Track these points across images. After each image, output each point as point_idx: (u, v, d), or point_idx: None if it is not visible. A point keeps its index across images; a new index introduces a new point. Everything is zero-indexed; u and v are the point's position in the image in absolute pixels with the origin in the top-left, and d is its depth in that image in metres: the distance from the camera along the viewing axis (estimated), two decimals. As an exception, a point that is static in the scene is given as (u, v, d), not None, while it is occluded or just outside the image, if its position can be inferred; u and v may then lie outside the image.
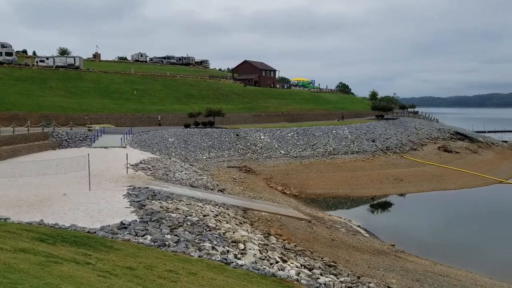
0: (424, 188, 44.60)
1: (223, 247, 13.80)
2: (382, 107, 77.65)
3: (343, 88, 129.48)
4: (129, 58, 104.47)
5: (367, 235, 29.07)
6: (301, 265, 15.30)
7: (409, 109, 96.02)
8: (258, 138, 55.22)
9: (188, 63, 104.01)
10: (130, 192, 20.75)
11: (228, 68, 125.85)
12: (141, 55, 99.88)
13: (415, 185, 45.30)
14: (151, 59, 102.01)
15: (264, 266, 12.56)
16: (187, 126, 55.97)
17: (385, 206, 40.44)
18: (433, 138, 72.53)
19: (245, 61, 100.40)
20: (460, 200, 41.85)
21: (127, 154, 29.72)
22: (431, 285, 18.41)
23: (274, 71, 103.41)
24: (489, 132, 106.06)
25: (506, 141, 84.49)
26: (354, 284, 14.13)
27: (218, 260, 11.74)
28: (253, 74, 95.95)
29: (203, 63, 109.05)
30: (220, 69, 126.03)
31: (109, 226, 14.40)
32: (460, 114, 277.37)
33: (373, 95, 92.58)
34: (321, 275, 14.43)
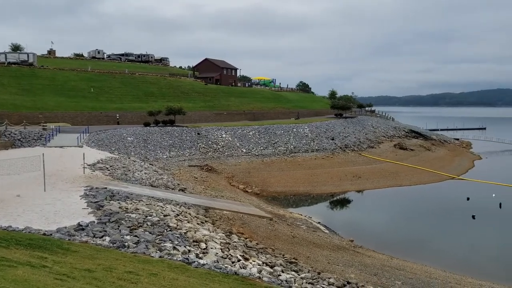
0: (381, 185, 45.96)
1: (185, 247, 13.71)
2: (341, 106, 79.28)
3: (304, 87, 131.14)
4: (85, 55, 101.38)
5: (327, 231, 29.66)
6: (263, 262, 15.44)
7: (366, 108, 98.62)
8: (220, 136, 55.09)
9: (147, 61, 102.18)
10: (88, 193, 20.21)
11: (189, 66, 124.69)
12: (98, 52, 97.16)
13: (372, 182, 46.60)
14: (109, 56, 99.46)
15: (226, 265, 12.59)
16: (146, 124, 55.03)
17: (344, 202, 41.38)
18: (389, 136, 74.82)
19: (206, 59, 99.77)
20: (415, 196, 43.40)
21: (84, 153, 28.91)
22: (388, 279, 19.03)
23: (236, 69, 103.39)
24: (442, 130, 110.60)
25: (457, 139, 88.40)
26: (314, 280, 14.40)
27: (180, 260, 11.66)
28: (214, 72, 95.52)
29: (163, 61, 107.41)
30: (180, 67, 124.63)
31: (65, 227, 13.98)
32: (414, 112, 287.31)
33: (332, 94, 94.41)
34: (283, 272, 14.62)
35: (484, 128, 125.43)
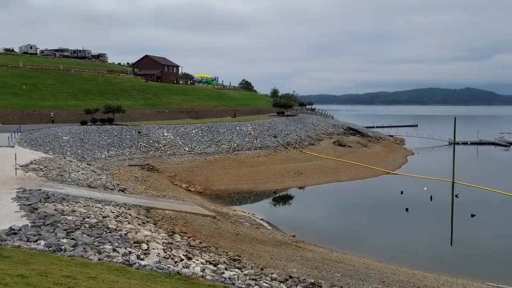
0: (321, 181, 47.34)
1: (125, 248, 13.37)
2: (283, 104, 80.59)
3: (246, 86, 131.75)
4: (16, 50, 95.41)
5: (269, 227, 30.11)
6: (206, 261, 15.41)
7: (307, 106, 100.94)
8: (162, 135, 54.13)
9: (84, 57, 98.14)
10: (20, 195, 19.12)
11: (128, 63, 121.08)
12: (31, 47, 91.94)
13: (313, 178, 47.87)
14: (42, 51, 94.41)
15: (168, 265, 12.43)
16: (83, 123, 52.93)
17: (286, 199, 42.18)
18: (329, 133, 77.16)
19: (147, 56, 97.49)
20: (353, 190, 45.13)
21: (15, 154, 27.30)
22: (328, 272, 19.66)
23: (177, 66, 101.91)
24: (377, 127, 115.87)
25: (392, 136, 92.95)
26: (257, 276, 14.59)
27: (120, 262, 11.37)
28: (155, 69, 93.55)
29: (100, 57, 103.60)
30: (119, 64, 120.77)
31: (-5, 233, 13.16)
32: (352, 111, 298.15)
33: (274, 92, 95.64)
34: (226, 269, 14.67)
35: (416, 125, 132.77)
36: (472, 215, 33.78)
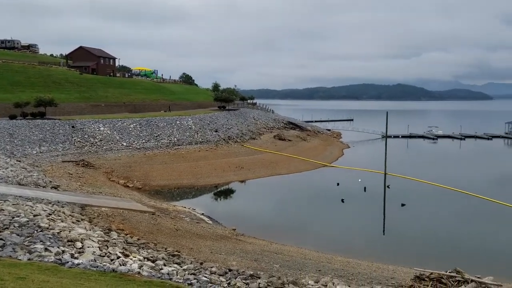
0: (262, 174, 48.00)
1: (58, 247, 12.91)
2: (224, 98, 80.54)
3: (187, 79, 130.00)
4: None
5: (210, 222, 30.18)
6: (144, 257, 15.23)
7: (248, 101, 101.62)
8: (97, 129, 52.24)
9: (13, 47, 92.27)
10: None
11: (61, 54, 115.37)
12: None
13: (254, 172, 48.42)
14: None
15: (104, 263, 12.17)
16: (12, 117, 49.89)
17: (227, 193, 42.37)
18: (270, 127, 78.25)
19: (81, 47, 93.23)
20: (292, 183, 46.18)
21: None
22: (267, 263, 20.10)
23: (114, 59, 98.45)
24: (316, 121, 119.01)
25: (329, 129, 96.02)
26: (197, 271, 14.64)
27: (52, 262, 10.98)
28: (90, 61, 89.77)
29: (31, 48, 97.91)
30: (52, 55, 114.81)
31: None
32: (292, 105, 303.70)
33: (216, 86, 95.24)
34: (165, 265, 14.59)
35: (352, 120, 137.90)
36: (403, 205, 35.81)
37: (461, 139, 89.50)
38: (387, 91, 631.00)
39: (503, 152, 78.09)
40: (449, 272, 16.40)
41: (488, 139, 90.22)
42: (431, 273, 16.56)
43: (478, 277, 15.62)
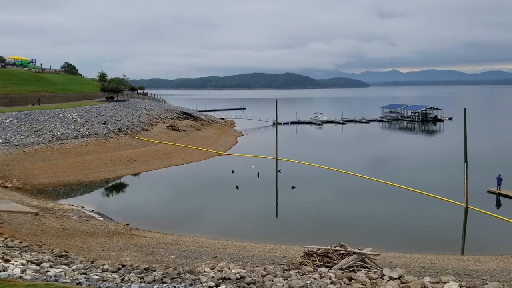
0: (156, 166, 47.06)
1: None
2: (112, 88, 76.85)
3: (70, 69, 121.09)
4: None
5: (101, 218, 28.95)
6: (28, 261, 14.18)
7: (139, 91, 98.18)
8: (-35, 126, 46.60)
9: None
10: None
11: None
12: None
13: (147, 164, 47.27)
14: None
15: (-21, 271, 11.10)
16: None
17: (119, 187, 40.83)
18: (162, 118, 76.71)
19: None
20: (188, 173, 46.08)
21: None
22: (163, 255, 19.97)
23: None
24: (210, 111, 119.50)
25: (223, 119, 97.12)
26: (87, 270, 14.03)
27: None
28: (-48, 49, 79.40)
29: None
30: None
31: None
32: (185, 95, 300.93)
33: (102, 76, 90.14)
34: (51, 267, 13.74)
35: (245, 108, 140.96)
36: (293, 187, 37.84)
37: (343, 123, 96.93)
38: (276, 79, 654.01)
39: (379, 134, 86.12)
40: (334, 247, 17.93)
41: (366, 122, 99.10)
42: (318, 249, 17.94)
43: (359, 249, 17.30)
